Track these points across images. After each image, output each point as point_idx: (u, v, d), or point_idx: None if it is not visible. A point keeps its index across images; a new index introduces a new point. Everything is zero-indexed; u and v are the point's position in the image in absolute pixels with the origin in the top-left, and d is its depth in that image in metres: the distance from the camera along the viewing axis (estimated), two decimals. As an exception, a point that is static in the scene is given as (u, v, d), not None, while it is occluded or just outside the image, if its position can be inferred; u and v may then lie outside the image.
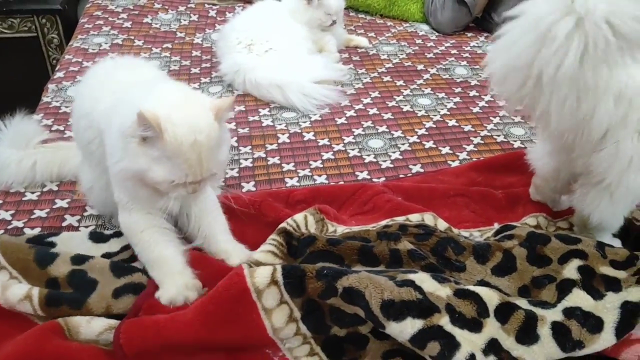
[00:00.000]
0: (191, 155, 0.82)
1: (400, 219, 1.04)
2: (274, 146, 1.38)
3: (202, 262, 0.93)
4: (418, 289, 0.81)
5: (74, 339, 0.82)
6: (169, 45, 1.86)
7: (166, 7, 2.13)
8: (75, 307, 0.86)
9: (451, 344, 0.77)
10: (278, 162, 1.32)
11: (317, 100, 1.55)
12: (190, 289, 0.87)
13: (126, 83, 0.97)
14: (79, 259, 0.93)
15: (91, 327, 0.83)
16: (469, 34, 2.08)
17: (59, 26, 2.10)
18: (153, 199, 0.90)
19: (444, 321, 0.79)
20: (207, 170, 0.85)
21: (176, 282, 0.88)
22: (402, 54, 1.89)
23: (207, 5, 2.18)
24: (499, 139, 1.45)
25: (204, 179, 0.87)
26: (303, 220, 0.98)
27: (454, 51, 1.94)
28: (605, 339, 0.81)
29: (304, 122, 1.49)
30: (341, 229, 1.03)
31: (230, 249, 0.97)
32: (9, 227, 1.09)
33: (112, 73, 1.01)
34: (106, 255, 1.00)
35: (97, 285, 0.89)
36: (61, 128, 1.40)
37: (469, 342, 0.78)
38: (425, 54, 1.91)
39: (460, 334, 0.78)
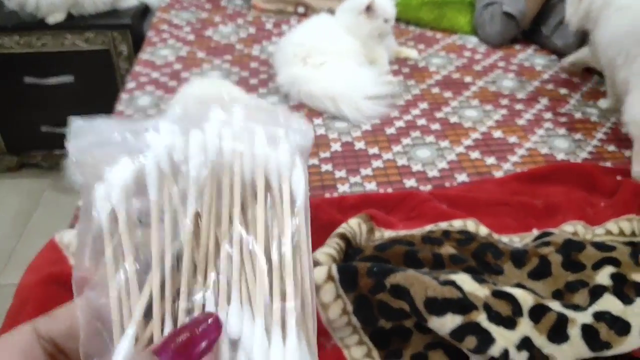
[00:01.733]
0: None
1: (443, 225, 1.12)
2: (327, 154, 1.49)
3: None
4: (459, 288, 0.89)
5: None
6: (229, 57, 2.00)
7: (226, 21, 2.28)
8: None
9: (487, 339, 0.85)
10: (331, 169, 1.43)
11: (367, 114, 1.64)
12: None
13: None
14: None
15: None
16: (517, 47, 2.13)
17: (129, 39, 2.27)
18: None
19: (481, 318, 0.87)
20: None
21: None
22: (450, 66, 1.97)
23: (263, 18, 2.31)
24: (543, 151, 1.51)
25: None
26: (358, 228, 1.07)
27: (501, 64, 2.00)
28: (632, 342, 0.87)
29: (355, 132, 1.59)
30: (388, 234, 1.12)
31: None
32: (94, 223, 1.23)
33: (204, 90, 1.12)
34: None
35: None
36: (135, 135, 1.54)
37: (504, 338, 0.86)
38: (473, 66, 1.98)
39: (495, 330, 0.86)
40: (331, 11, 2.17)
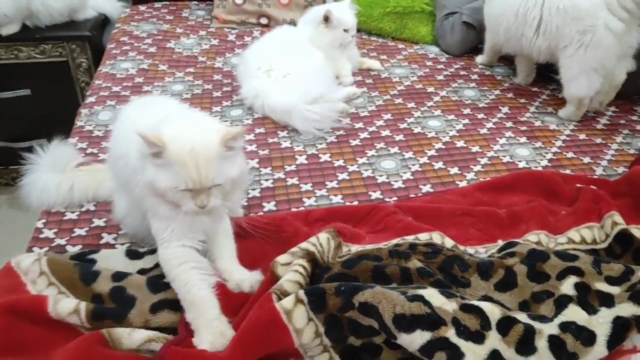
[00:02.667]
0: (190, 163, 0.93)
1: (410, 238, 1.12)
2: (293, 167, 1.48)
3: (230, 300, 1.01)
4: (427, 303, 0.89)
5: (117, 348, 0.92)
6: (192, 70, 1.97)
7: (188, 32, 2.25)
8: (117, 321, 0.96)
9: (456, 354, 0.86)
10: (297, 182, 1.42)
11: (317, 123, 1.61)
12: (226, 337, 0.93)
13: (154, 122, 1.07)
14: (118, 276, 1.03)
15: (132, 338, 0.93)
16: (477, 56, 2.16)
17: (88, 51, 2.21)
18: (173, 214, 1.00)
19: (450, 333, 0.87)
20: (206, 179, 0.94)
21: (214, 331, 0.94)
22: (413, 76, 1.98)
23: (226, 30, 2.29)
24: (505, 159, 1.53)
25: (207, 189, 0.96)
26: (327, 244, 1.07)
27: (463, 72, 2.03)
28: (598, 351, 0.89)
29: (320, 144, 1.58)
30: (355, 248, 1.12)
31: (230, 270, 1.06)
32: (53, 244, 1.19)
33: (142, 114, 1.11)
34: (142, 271, 1.10)
35: (135, 302, 0.99)
36: (95, 151, 1.51)
37: (473, 352, 0.87)
38: (436, 76, 2.00)
39: (464, 345, 0.87)
40: (293, 22, 2.18)
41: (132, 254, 1.14)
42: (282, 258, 1.01)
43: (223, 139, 0.96)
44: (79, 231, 1.23)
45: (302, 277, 0.97)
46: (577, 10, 1.62)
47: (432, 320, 0.87)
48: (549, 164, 1.52)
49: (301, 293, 0.90)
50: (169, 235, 1.02)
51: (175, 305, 1.00)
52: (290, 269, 0.98)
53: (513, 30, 1.79)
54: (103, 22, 2.41)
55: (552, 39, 1.70)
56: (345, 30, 1.85)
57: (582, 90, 1.69)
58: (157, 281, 1.04)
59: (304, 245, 1.04)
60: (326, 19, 1.82)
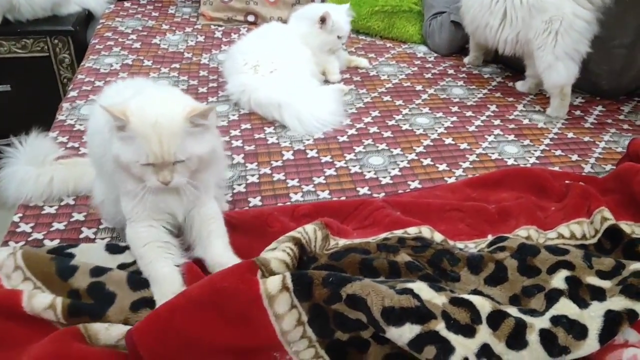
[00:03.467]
0: (152, 136, 0.91)
1: (398, 232, 1.10)
2: (279, 163, 1.45)
3: (198, 278, 0.97)
4: (416, 296, 0.87)
5: (94, 344, 0.88)
6: (177, 66, 1.94)
7: (173, 29, 2.22)
8: (95, 318, 0.92)
9: (446, 348, 0.83)
10: (283, 178, 1.39)
11: (310, 128, 1.59)
12: None
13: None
14: (97, 271, 0.99)
15: (109, 333, 0.89)
16: (465, 57, 2.16)
17: (71, 46, 2.17)
18: (140, 191, 0.97)
19: (440, 327, 0.85)
20: (168, 153, 0.92)
21: (166, 295, 0.92)
22: (401, 75, 1.97)
23: (212, 27, 2.26)
24: (494, 156, 1.52)
25: (170, 164, 0.93)
26: (313, 234, 1.04)
27: (451, 71, 2.02)
28: (590, 345, 0.87)
29: (307, 140, 1.56)
30: (342, 242, 1.09)
31: (225, 262, 1.01)
32: (30, 239, 1.15)
33: (123, 92, 1.08)
34: (122, 266, 1.06)
35: (115, 298, 0.95)
36: (76, 145, 1.47)
37: (463, 346, 0.84)
38: (424, 74, 1.99)
39: (455, 339, 0.84)
40: (281, 20, 2.15)
41: (113, 248, 1.10)
42: (267, 249, 0.98)
43: (189, 114, 0.93)
44: (57, 225, 1.19)
45: (290, 258, 0.94)
46: (541, 2, 1.65)
47: (421, 313, 0.85)
48: (537, 162, 1.51)
49: (288, 279, 0.87)
50: (137, 214, 0.99)
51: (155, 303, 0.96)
52: (279, 248, 0.95)
53: (478, 19, 1.82)
54: (87, 18, 2.37)
55: (519, 29, 1.72)
56: (339, 37, 1.84)
57: (562, 78, 1.69)
58: (139, 278, 1.00)
59: (290, 234, 1.01)
60: (323, 20, 1.79)
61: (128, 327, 0.90)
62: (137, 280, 0.99)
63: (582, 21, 1.64)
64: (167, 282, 0.96)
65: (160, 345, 0.84)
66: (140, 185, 0.96)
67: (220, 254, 1.03)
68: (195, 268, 1.01)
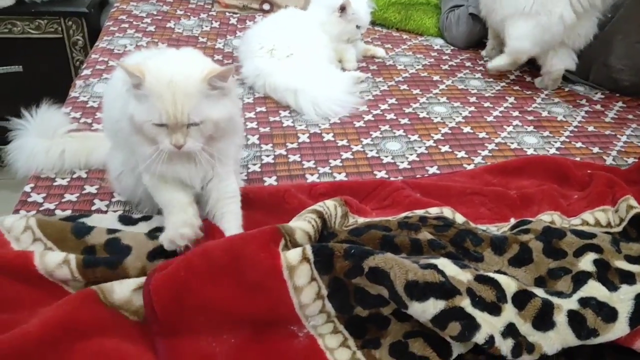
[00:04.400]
0: (166, 95, 0.88)
1: (419, 212, 1.07)
2: (295, 145, 1.42)
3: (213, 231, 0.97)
4: (440, 272, 0.84)
5: (108, 301, 0.84)
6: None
7: (188, 14, 2.20)
8: (112, 267, 0.89)
9: (471, 325, 0.80)
10: (299, 159, 1.36)
11: (325, 113, 1.56)
12: (187, 225, 0.92)
13: None
14: (112, 230, 0.98)
15: (125, 285, 0.85)
16: (483, 50, 2.13)
17: (84, 29, 2.15)
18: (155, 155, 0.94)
19: (465, 303, 0.81)
20: (182, 114, 0.89)
21: (174, 220, 0.92)
22: (418, 65, 1.94)
23: (227, 13, 2.24)
24: (513, 146, 1.49)
25: (183, 127, 0.90)
26: (334, 210, 1.01)
27: (468, 64, 1.99)
28: (619, 329, 0.84)
29: (323, 124, 1.53)
30: (362, 220, 1.06)
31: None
32: (41, 208, 1.12)
33: (148, 57, 1.05)
34: (136, 237, 1.04)
35: (131, 250, 0.93)
36: (89, 121, 1.44)
37: (489, 324, 0.81)
38: (441, 65, 1.96)
39: (480, 316, 0.81)
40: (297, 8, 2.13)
41: (126, 220, 1.07)
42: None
43: (207, 75, 0.90)
44: (69, 197, 1.17)
45: (313, 230, 0.91)
46: None
47: (446, 289, 0.82)
48: (558, 152, 1.48)
49: (308, 250, 0.84)
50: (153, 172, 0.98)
51: (173, 253, 0.94)
52: (302, 218, 0.92)
53: (490, 3, 1.86)
54: (101, 3, 2.35)
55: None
56: (358, 27, 1.81)
57: (525, 49, 1.76)
58: (155, 234, 0.98)
59: (312, 207, 0.98)
60: (342, 9, 1.77)
61: (143, 279, 0.86)
62: (154, 235, 0.97)
63: (562, 26, 1.67)
64: (174, 203, 0.95)
65: (176, 305, 0.81)
66: (154, 148, 0.93)
67: (234, 230, 1.00)
68: (214, 226, 0.99)
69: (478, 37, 2.13)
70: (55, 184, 1.20)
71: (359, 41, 1.94)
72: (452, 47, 2.13)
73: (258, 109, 1.59)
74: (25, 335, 0.76)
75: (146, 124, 0.90)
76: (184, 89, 0.89)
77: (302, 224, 0.91)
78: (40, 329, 0.78)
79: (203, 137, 0.93)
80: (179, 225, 0.92)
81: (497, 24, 1.87)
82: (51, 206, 1.13)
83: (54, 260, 0.88)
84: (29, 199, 1.15)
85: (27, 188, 1.18)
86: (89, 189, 1.20)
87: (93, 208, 1.14)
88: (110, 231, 0.96)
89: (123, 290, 0.84)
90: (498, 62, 1.84)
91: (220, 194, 1.02)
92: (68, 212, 1.12)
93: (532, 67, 1.98)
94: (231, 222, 1.02)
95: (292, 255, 0.83)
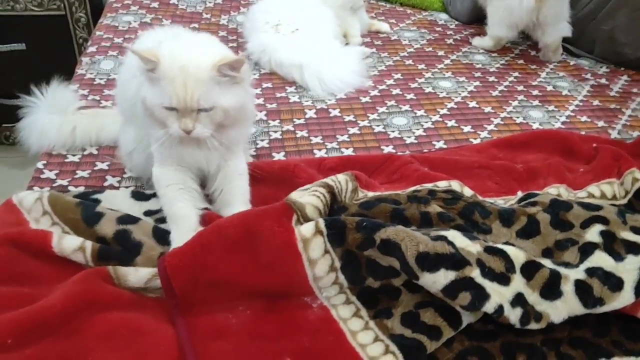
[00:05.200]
0: (177, 79, 0.89)
1: (428, 185, 1.09)
2: (302, 121, 1.43)
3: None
4: (450, 243, 0.85)
5: (122, 286, 0.87)
6: (196, 26, 1.91)
7: (191, -10, 2.18)
8: (124, 263, 0.91)
9: (481, 295, 0.82)
10: (306, 135, 1.37)
11: (331, 89, 1.57)
12: None
13: None
14: (123, 220, 0.98)
15: (139, 274, 0.88)
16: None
17: (87, 6, 2.14)
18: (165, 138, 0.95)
19: (475, 274, 0.83)
20: (192, 98, 0.90)
21: (183, 236, 0.92)
22: (422, 40, 1.94)
23: (231, -11, 2.22)
24: (518, 120, 1.50)
25: (193, 112, 0.91)
26: (345, 185, 1.02)
27: (472, 39, 1.99)
28: (625, 297, 0.86)
29: (330, 99, 1.54)
30: (372, 194, 1.08)
31: None
32: (54, 184, 1.14)
33: (162, 39, 1.06)
34: (147, 213, 1.05)
35: (142, 248, 0.94)
36: (97, 98, 1.45)
37: (498, 293, 0.83)
38: (445, 40, 1.96)
39: (490, 286, 0.83)
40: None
41: (139, 195, 1.09)
42: (295, 193, 0.97)
43: (218, 62, 0.90)
44: (81, 173, 1.18)
45: (323, 205, 0.93)
46: None
47: (456, 259, 0.84)
48: (563, 127, 1.49)
49: (321, 223, 0.86)
50: (164, 158, 0.99)
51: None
52: (311, 193, 0.93)
53: None
54: (103, -21, 2.33)
55: None
56: None
57: (502, 34, 1.85)
58: (163, 232, 0.99)
59: (323, 180, 0.99)
60: None
61: (156, 270, 0.88)
62: (162, 234, 0.98)
63: (523, 11, 1.73)
64: (183, 220, 0.97)
65: (192, 282, 0.83)
66: (164, 131, 0.94)
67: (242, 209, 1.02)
68: (216, 216, 1.00)
69: (482, 12, 2.11)
70: (67, 160, 1.22)
71: (364, 15, 1.94)
72: (456, 22, 2.12)
73: (264, 85, 1.59)
74: (48, 308, 0.79)
75: (157, 107, 0.91)
76: (195, 74, 0.89)
77: (312, 199, 0.93)
78: (61, 301, 0.80)
79: (213, 124, 0.94)
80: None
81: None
82: (64, 182, 1.15)
83: (70, 245, 0.90)
84: (42, 176, 1.16)
85: (40, 165, 1.19)
86: (101, 165, 1.21)
87: (105, 184, 1.16)
88: (120, 220, 0.97)
89: (137, 279, 0.87)
90: (481, 43, 1.92)
91: (227, 172, 1.03)
92: (81, 189, 1.13)
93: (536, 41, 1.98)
94: (239, 198, 1.03)
95: (305, 229, 0.85)
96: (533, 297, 0.86)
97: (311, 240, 0.84)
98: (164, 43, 0.94)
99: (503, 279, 0.85)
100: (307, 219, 0.89)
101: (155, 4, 2.02)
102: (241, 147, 1.08)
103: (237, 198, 1.03)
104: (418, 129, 1.43)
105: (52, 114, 1.26)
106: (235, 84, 0.95)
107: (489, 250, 0.87)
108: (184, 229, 0.95)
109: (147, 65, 0.91)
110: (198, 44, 0.98)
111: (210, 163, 1.02)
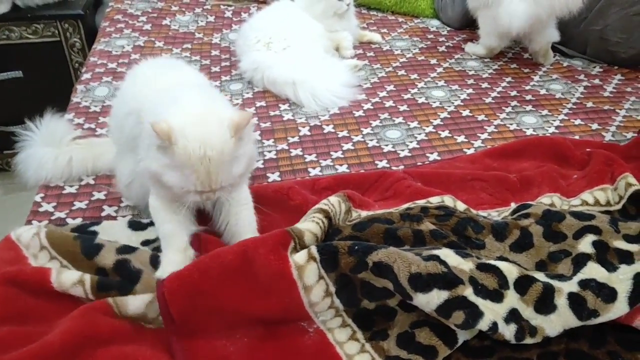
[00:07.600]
0: (200, 168, 0.88)
1: (421, 202, 1.09)
2: (296, 139, 1.44)
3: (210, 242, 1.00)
4: (443, 263, 0.86)
5: (122, 315, 0.88)
6: (189, 46, 1.93)
7: (183, 10, 2.20)
8: (124, 293, 0.92)
9: (475, 313, 0.83)
10: (300, 153, 1.38)
11: (325, 104, 1.58)
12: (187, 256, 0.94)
13: (172, 84, 1.03)
14: (123, 250, 0.99)
15: (138, 299, 0.89)
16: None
17: (81, 30, 2.16)
18: (174, 197, 0.97)
19: (468, 292, 0.84)
20: (216, 182, 0.91)
21: (172, 260, 0.94)
22: (415, 49, 1.95)
23: (222, 7, 2.24)
24: (512, 127, 1.50)
25: (216, 190, 0.92)
26: (338, 207, 1.03)
27: (464, 45, 1.99)
28: (619, 308, 0.86)
29: (323, 115, 1.55)
30: (365, 213, 1.09)
31: None
32: (53, 217, 1.15)
33: (159, 72, 1.07)
34: (145, 243, 1.06)
35: (141, 275, 0.95)
36: (92, 126, 1.47)
37: (492, 311, 0.84)
38: (438, 48, 1.96)
39: (483, 304, 0.84)
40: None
41: (135, 225, 1.10)
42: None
43: (235, 131, 0.91)
44: (79, 204, 1.20)
45: (321, 231, 0.94)
46: None
47: (449, 279, 0.84)
48: (557, 131, 1.49)
49: (313, 249, 0.87)
50: (162, 194, 1.00)
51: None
52: (310, 219, 0.94)
53: None
54: (96, 2, 2.36)
55: None
56: None
57: (494, 45, 1.85)
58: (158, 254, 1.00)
59: (317, 206, 1.00)
60: None
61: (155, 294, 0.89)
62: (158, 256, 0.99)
63: (516, 22, 1.68)
64: (173, 239, 0.98)
65: (190, 307, 0.84)
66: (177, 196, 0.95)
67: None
68: (213, 238, 1.01)
69: (473, 16, 2.12)
70: (64, 192, 1.23)
71: (355, 27, 1.95)
72: (448, 29, 2.13)
73: (258, 104, 1.61)
74: (48, 346, 0.80)
75: (177, 188, 0.92)
76: (218, 160, 0.89)
77: (310, 226, 0.94)
78: (61, 338, 0.81)
79: (231, 186, 0.96)
80: (176, 265, 0.93)
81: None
82: (62, 215, 1.16)
83: (69, 280, 0.91)
84: (40, 209, 1.18)
85: (38, 198, 1.21)
86: (98, 195, 1.23)
87: (103, 214, 1.17)
88: (119, 251, 0.98)
89: (137, 304, 0.88)
90: (474, 51, 1.92)
91: (233, 204, 1.03)
92: (79, 220, 1.15)
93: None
94: (246, 229, 1.03)
95: (299, 256, 0.87)
96: (527, 312, 0.86)
97: (305, 267, 0.86)
98: (170, 113, 0.91)
99: (496, 296, 0.86)
100: (304, 246, 0.90)
101: (148, 26, 2.04)
102: (245, 182, 1.09)
103: (245, 229, 1.03)
104: (412, 142, 1.43)
105: (48, 147, 1.27)
106: (243, 144, 0.96)
107: (482, 267, 0.88)
108: (173, 248, 0.97)
109: (159, 142, 0.89)
110: (208, 116, 0.94)
111: (211, 202, 1.02)
